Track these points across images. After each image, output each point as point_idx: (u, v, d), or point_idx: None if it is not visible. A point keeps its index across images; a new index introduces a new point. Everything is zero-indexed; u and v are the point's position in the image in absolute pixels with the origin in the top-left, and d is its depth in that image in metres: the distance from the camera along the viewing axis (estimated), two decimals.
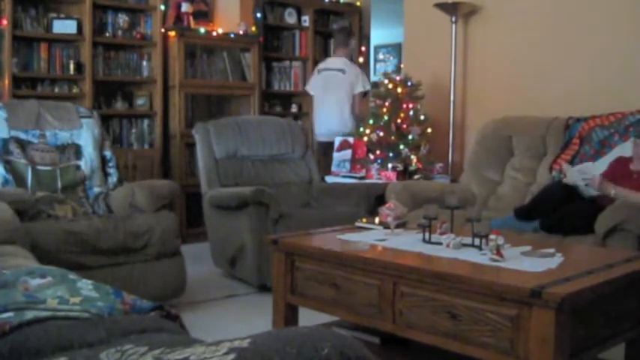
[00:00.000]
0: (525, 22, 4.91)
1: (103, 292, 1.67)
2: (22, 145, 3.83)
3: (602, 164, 3.85)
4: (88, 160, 4.00)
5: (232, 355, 0.86)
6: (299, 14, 6.49)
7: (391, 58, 10.23)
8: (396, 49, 9.64)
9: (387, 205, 3.21)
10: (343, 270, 2.65)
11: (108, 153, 4.12)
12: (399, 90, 5.14)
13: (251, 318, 3.49)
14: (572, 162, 4.06)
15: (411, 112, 5.11)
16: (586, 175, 3.56)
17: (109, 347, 1.13)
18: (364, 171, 5.23)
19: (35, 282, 1.71)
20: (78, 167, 3.97)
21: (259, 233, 3.88)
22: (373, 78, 7.77)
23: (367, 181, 5.02)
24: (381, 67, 9.89)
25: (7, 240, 2.67)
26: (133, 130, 5.54)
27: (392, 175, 4.96)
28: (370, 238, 2.92)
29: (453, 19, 5.17)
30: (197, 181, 4.78)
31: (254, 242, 3.98)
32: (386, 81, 5.24)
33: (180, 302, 3.67)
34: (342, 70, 5.79)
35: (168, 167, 5.63)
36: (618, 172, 3.67)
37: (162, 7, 5.58)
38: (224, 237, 4.30)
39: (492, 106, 4.97)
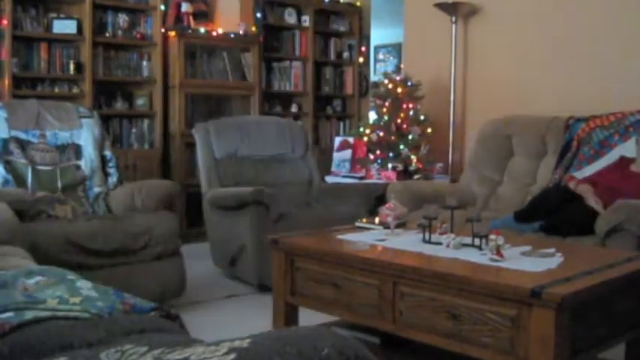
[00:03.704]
0: (525, 22, 4.91)
1: (103, 292, 1.67)
2: (22, 145, 3.83)
3: (601, 164, 3.85)
4: (88, 160, 4.00)
5: (232, 355, 0.86)
6: (299, 14, 6.48)
7: (391, 58, 10.22)
8: (396, 49, 9.63)
9: (387, 205, 3.21)
10: (343, 270, 2.65)
11: (108, 153, 4.12)
12: (399, 90, 5.14)
13: (251, 318, 3.49)
14: (570, 164, 4.06)
15: (411, 112, 5.12)
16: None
17: (109, 347, 1.13)
18: (364, 171, 5.24)
19: (34, 282, 1.71)
20: (78, 167, 3.97)
21: (259, 233, 3.88)
22: (373, 78, 7.76)
23: (367, 181, 5.02)
24: (381, 67, 9.87)
25: (6, 240, 2.67)
26: (133, 130, 5.54)
27: (392, 175, 4.96)
28: (370, 238, 2.92)
29: (453, 19, 5.17)
30: (197, 181, 4.78)
31: (254, 242, 3.97)
32: (386, 81, 5.24)
33: (181, 302, 3.67)
34: None
35: (168, 167, 5.63)
36: (618, 173, 3.66)
37: (163, 7, 5.58)
38: (224, 237, 4.30)
39: (492, 106, 4.97)
